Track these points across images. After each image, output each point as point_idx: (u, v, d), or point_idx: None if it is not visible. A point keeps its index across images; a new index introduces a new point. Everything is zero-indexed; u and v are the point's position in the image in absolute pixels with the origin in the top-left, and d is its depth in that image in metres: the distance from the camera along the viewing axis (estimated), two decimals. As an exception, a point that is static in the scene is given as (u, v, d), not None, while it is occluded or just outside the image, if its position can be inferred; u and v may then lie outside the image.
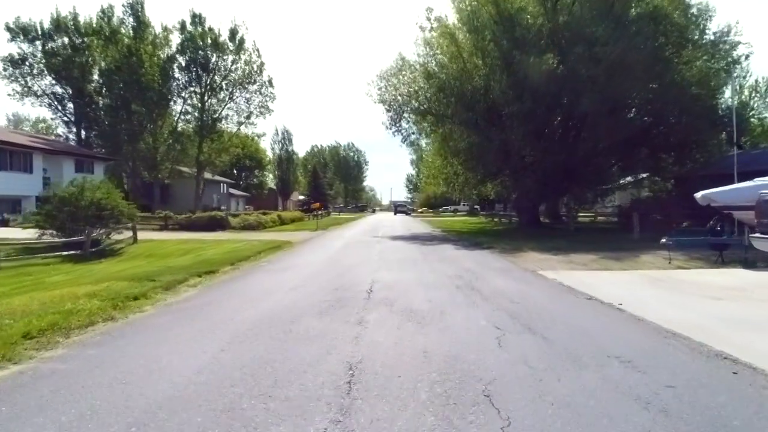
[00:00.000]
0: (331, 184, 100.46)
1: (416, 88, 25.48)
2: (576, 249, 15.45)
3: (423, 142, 29.06)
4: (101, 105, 44.35)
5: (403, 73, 25.66)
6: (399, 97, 25.55)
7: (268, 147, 75.27)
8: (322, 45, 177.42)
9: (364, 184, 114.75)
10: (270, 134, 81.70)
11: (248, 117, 47.81)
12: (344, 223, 36.98)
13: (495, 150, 25.21)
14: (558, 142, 24.15)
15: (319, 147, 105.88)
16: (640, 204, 24.06)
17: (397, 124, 25.84)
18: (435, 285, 8.61)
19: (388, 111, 25.62)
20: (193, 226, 27.23)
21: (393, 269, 10.75)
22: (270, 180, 77.48)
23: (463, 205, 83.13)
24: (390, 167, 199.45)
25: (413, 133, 26.30)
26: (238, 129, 48.27)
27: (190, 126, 46.20)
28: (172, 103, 44.95)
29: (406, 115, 25.99)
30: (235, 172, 75.51)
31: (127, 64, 41.24)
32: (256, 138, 49.31)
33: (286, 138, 72.45)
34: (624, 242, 17.16)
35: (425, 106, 25.60)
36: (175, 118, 44.78)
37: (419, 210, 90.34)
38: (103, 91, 44.48)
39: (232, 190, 61.60)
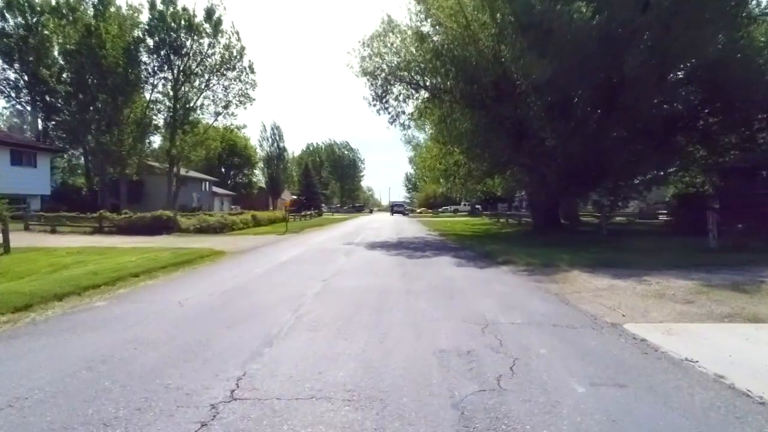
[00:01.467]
0: (327, 184, 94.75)
1: (406, 55, 19.81)
2: (640, 265, 9.82)
3: (416, 126, 23.18)
4: (61, 92, 38.78)
5: (390, 36, 19.98)
6: (385, 66, 19.89)
7: (257, 143, 69.76)
8: (320, 43, 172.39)
9: (362, 183, 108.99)
10: (259, 130, 76.34)
11: (226, 107, 42.26)
12: (327, 225, 31.32)
13: (506, 132, 19.55)
14: (587, 121, 18.47)
15: (315, 145, 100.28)
16: (697, 200, 18.41)
17: (383, 100, 20.15)
18: (403, 412, 2.95)
19: (372, 85, 19.98)
20: (133, 228, 21.64)
21: (324, 324, 5.05)
22: (260, 179, 71.95)
23: (464, 204, 77.59)
24: (389, 167, 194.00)
25: (403, 112, 20.67)
26: (215, 120, 42.72)
27: (161, 116, 40.65)
28: (138, 90, 39.29)
29: (394, 89, 20.32)
30: (223, 170, 70.25)
31: (85, 45, 35.74)
32: (236, 131, 43.75)
33: (276, 134, 66.85)
34: (701, 254, 11.52)
35: (418, 77, 19.96)
36: (144, 107, 39.14)
37: (418, 210, 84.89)
38: (63, 77, 39.00)
39: (215, 189, 56.05)
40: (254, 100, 42.92)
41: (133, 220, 21.95)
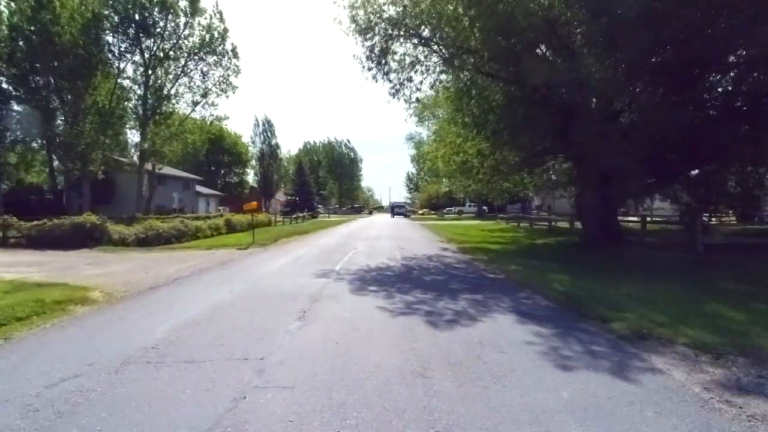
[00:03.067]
0: (324, 184, 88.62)
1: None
2: None
3: (426, 103, 16.94)
4: (10, 76, 32.74)
5: (393, -27, 13.86)
6: (385, 16, 13.83)
7: (249, 140, 63.82)
8: (319, 40, 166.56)
9: (362, 183, 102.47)
10: (252, 125, 70.54)
11: (205, 95, 36.20)
12: (314, 232, 25.26)
13: (550, 108, 13.54)
14: (681, 82, 12.32)
15: (312, 143, 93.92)
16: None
17: (381, 61, 14.04)
18: None
19: (366, 40, 13.91)
20: (48, 239, 15.63)
21: None
22: (252, 178, 66.00)
23: (470, 205, 71.69)
24: (390, 169, 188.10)
25: (409, 80, 14.52)
26: (193, 110, 36.64)
27: (129, 105, 34.55)
28: (105, 74, 33.20)
29: (398, 48, 14.27)
30: (212, 169, 64.41)
31: (35, 20, 29.88)
32: (217, 122, 37.76)
33: (267, 129, 60.79)
34: None
35: (428, 30, 13.92)
36: (109, 95, 32.99)
37: (420, 212, 79.03)
38: (16, 57, 32.97)
39: (200, 188, 50.02)
40: (237, 88, 36.96)
41: (47, 228, 15.90)
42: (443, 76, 14.71)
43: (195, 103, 36.12)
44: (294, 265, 10.67)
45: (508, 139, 14.93)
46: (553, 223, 23.63)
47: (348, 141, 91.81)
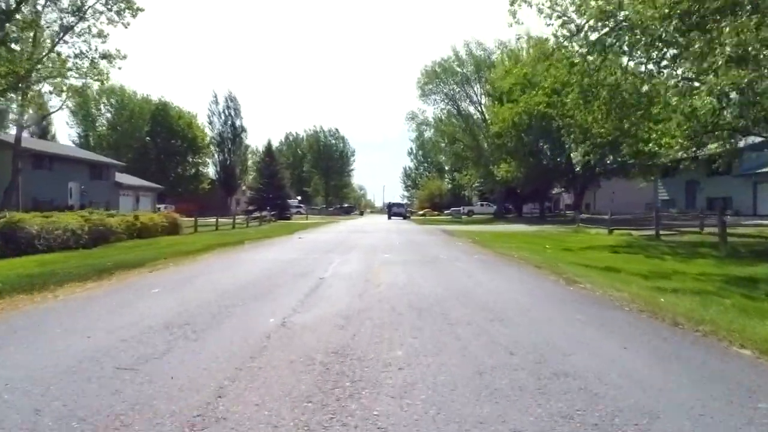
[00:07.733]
0: (309, 180, 72.99)
1: None
2: None
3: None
4: None
5: None
6: None
7: (206, 121, 48.09)
8: (315, 33, 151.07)
9: (352, 180, 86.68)
10: (209, 102, 54.87)
11: (80, 15, 20.61)
12: (186, 258, 9.68)
13: None
14: None
15: (295, 135, 78.12)
16: None
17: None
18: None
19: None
20: None
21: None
22: (212, 170, 50.26)
23: (481, 204, 56.21)
24: (382, 167, 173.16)
25: None
26: (60, 39, 20.92)
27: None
28: None
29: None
30: (162, 156, 48.50)
31: None
32: (106, 62, 21.89)
33: (230, 108, 45.13)
34: None
35: None
36: None
37: (420, 212, 63.54)
38: None
39: (122, 178, 34.24)
40: (142, 10, 21.39)
41: None
42: None
43: (64, 29, 20.64)
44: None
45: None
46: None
47: (337, 130, 76.06)
